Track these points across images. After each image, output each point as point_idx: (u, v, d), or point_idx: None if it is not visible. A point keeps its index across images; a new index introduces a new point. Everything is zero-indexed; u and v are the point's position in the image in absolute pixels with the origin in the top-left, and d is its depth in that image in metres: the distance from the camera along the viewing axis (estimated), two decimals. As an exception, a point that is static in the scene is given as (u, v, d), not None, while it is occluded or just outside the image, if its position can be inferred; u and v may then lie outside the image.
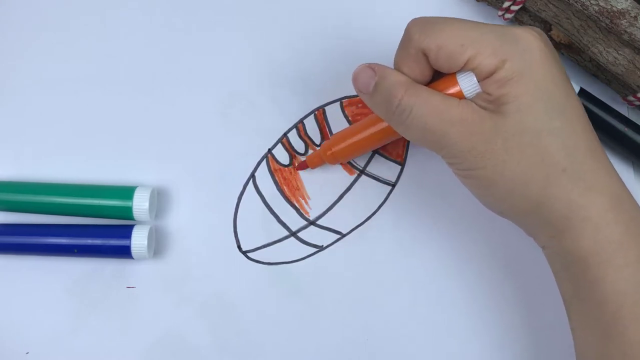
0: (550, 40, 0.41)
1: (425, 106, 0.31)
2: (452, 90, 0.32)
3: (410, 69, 0.33)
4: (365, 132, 0.37)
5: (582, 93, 0.39)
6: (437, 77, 0.33)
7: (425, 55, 0.32)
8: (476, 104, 0.31)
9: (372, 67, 0.33)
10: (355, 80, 0.34)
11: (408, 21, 0.42)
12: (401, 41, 0.33)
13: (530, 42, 0.31)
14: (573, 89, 0.32)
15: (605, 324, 0.30)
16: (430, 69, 0.33)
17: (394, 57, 0.34)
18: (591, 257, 0.30)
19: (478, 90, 0.31)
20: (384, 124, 0.36)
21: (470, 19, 0.42)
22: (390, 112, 0.32)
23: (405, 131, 0.33)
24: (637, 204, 0.32)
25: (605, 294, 0.30)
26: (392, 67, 0.34)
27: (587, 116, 0.32)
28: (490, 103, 0.31)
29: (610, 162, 0.32)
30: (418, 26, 0.32)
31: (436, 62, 0.32)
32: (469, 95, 0.32)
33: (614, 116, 0.39)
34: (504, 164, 0.31)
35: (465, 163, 0.32)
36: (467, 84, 0.31)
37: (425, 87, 0.32)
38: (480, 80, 0.31)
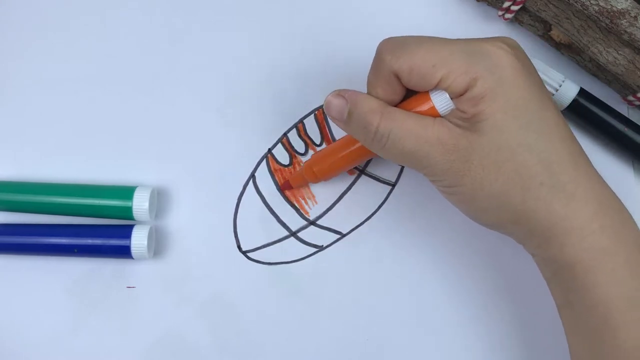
0: (550, 40, 0.41)
1: (402, 130, 0.32)
2: (425, 108, 0.32)
3: (383, 89, 0.33)
4: (345, 150, 0.37)
5: (582, 93, 0.39)
6: (410, 95, 0.33)
7: (398, 77, 0.32)
8: (451, 122, 0.32)
9: (342, 95, 0.34)
10: (327, 109, 0.34)
11: (408, 21, 0.42)
12: (372, 63, 0.33)
13: (500, 57, 0.31)
14: (550, 99, 0.32)
15: (596, 328, 0.30)
16: (402, 89, 0.33)
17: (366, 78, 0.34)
18: (578, 265, 0.30)
19: (452, 107, 0.32)
20: None
21: (470, 19, 0.42)
22: (369, 138, 0.33)
23: (384, 154, 0.33)
24: (624, 208, 0.32)
25: (595, 299, 0.30)
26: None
27: (566, 125, 0.32)
28: (465, 121, 0.31)
29: (594, 169, 0.32)
30: (388, 48, 0.32)
31: (409, 82, 0.32)
32: (443, 112, 0.32)
33: (614, 116, 0.39)
34: (482, 180, 0.31)
35: (446, 181, 0.32)
36: (441, 101, 0.32)
37: (399, 109, 0.33)
38: (453, 98, 0.31)
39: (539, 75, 0.33)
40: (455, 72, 0.30)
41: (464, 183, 0.31)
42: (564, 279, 0.31)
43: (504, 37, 0.32)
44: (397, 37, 0.33)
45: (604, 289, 0.30)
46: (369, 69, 0.34)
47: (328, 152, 0.38)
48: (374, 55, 0.33)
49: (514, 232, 0.33)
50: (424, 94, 0.32)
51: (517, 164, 0.31)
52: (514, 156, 0.31)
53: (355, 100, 0.33)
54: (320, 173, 0.38)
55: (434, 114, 0.32)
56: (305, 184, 0.40)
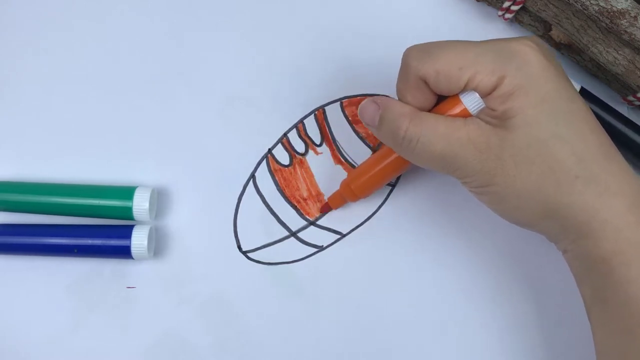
0: (550, 40, 0.41)
1: (432, 133, 0.32)
2: (457, 110, 0.32)
3: (413, 96, 0.33)
4: (381, 164, 0.37)
5: (582, 92, 0.39)
6: (441, 100, 0.34)
7: (426, 82, 0.32)
8: (482, 120, 0.32)
9: (375, 101, 0.34)
10: (361, 114, 0.35)
11: (407, 21, 0.42)
12: (400, 71, 0.34)
13: (526, 54, 0.31)
14: (577, 93, 0.32)
15: (628, 325, 0.30)
16: (433, 94, 0.33)
17: (395, 85, 0.34)
18: (614, 259, 0.30)
19: (482, 106, 0.32)
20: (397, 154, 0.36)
21: (470, 19, 0.42)
22: (398, 143, 0.33)
23: (415, 160, 0.33)
24: None
25: (629, 294, 0.30)
26: (396, 92, 0.34)
27: (595, 118, 0.32)
28: (496, 118, 0.31)
29: (625, 161, 0.32)
30: (414, 54, 0.32)
31: (436, 87, 0.32)
32: (474, 111, 0.32)
33: (614, 116, 0.39)
34: (515, 177, 0.31)
35: (478, 181, 0.32)
36: (471, 101, 0.32)
37: (429, 114, 0.33)
38: (482, 97, 0.31)
39: (563, 70, 0.33)
40: (482, 72, 0.31)
41: (496, 182, 0.31)
42: (597, 275, 0.31)
43: (529, 36, 0.33)
44: (422, 43, 0.33)
45: (638, 284, 0.30)
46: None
47: (364, 169, 0.38)
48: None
49: (547, 228, 0.33)
50: (454, 97, 0.32)
51: (550, 157, 0.31)
52: (547, 150, 0.31)
53: (387, 105, 0.33)
54: (358, 190, 0.38)
55: (465, 115, 0.32)
56: (344, 203, 0.40)
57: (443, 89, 0.32)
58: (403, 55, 0.33)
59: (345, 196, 0.39)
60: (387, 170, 0.37)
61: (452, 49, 0.32)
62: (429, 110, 0.34)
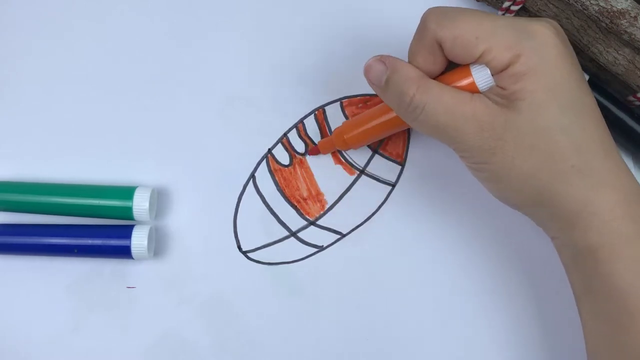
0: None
1: (438, 103, 0.31)
2: (465, 82, 0.32)
3: (424, 58, 0.32)
4: (378, 119, 0.37)
5: (589, 83, 0.38)
6: (451, 68, 0.33)
7: (440, 46, 0.32)
8: (489, 98, 0.31)
9: (383, 61, 0.33)
10: (367, 72, 0.34)
11: (407, 20, 0.42)
12: (417, 31, 0.33)
13: (546, 37, 0.31)
14: (587, 85, 0.32)
15: (616, 316, 0.30)
16: (444, 59, 0.33)
17: (409, 46, 0.34)
18: (600, 251, 0.30)
19: (492, 84, 0.31)
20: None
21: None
22: (403, 108, 0.33)
23: (416, 126, 0.33)
24: None
25: (615, 287, 0.30)
26: (407, 55, 0.34)
27: (600, 113, 0.32)
28: (504, 98, 0.31)
29: (622, 159, 0.32)
30: (434, 16, 0.32)
31: (451, 52, 0.32)
32: (482, 88, 0.32)
33: (619, 107, 0.38)
34: (514, 159, 0.31)
35: (476, 157, 0.32)
36: (481, 77, 0.31)
37: (437, 82, 0.32)
38: (495, 74, 0.31)
39: (577, 59, 0.32)
40: (498, 47, 0.30)
41: (494, 161, 0.31)
42: (584, 265, 0.31)
43: (549, 19, 0.32)
44: (444, 6, 0.32)
45: (624, 277, 0.30)
46: (412, 37, 0.33)
47: (360, 120, 0.37)
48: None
49: (537, 213, 0.33)
50: (465, 67, 0.32)
51: (551, 145, 0.30)
52: (549, 137, 0.30)
53: (395, 67, 0.33)
54: (351, 141, 0.38)
55: (473, 89, 0.32)
56: (333, 149, 0.40)
57: (457, 55, 0.31)
58: (422, 17, 0.32)
59: (336, 144, 0.39)
60: (383, 127, 0.37)
61: (472, 16, 0.31)
62: (437, 77, 0.33)
